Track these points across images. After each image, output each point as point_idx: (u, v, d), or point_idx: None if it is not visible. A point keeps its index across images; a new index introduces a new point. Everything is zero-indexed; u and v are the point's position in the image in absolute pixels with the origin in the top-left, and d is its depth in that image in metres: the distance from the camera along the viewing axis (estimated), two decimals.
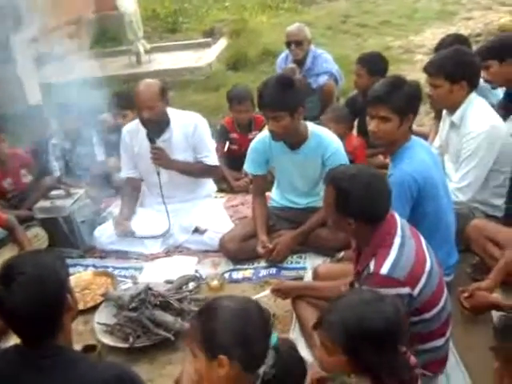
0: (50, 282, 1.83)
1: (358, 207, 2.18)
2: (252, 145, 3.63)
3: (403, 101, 2.70)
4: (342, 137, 4.21)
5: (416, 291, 2.15)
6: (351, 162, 4.17)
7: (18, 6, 6.60)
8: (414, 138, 2.82)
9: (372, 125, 2.78)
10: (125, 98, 4.76)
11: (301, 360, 1.77)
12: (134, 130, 4.03)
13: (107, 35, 9.14)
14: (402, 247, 2.19)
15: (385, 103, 2.71)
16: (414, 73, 6.34)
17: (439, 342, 2.30)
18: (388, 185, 2.28)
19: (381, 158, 4.47)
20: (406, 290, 2.13)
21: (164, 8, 10.70)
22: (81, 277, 3.66)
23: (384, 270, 2.14)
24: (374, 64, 4.44)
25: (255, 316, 1.69)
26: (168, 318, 2.99)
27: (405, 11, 9.78)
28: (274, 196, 3.83)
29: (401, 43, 8.24)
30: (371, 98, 2.76)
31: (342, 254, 3.27)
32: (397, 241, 2.20)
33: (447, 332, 2.34)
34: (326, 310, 1.90)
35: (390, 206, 2.28)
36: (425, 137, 3.77)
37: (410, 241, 2.24)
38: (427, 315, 2.22)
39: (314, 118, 4.69)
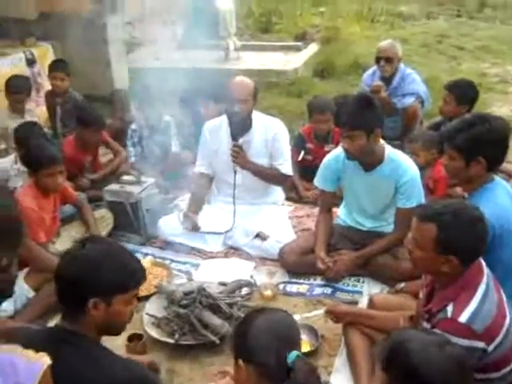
0: (95, 272, 1.88)
1: (464, 243, 2.09)
2: (325, 160, 3.56)
3: (469, 142, 2.61)
4: (430, 163, 4.10)
5: (491, 348, 2.03)
6: (432, 191, 4.04)
7: None
8: (497, 178, 2.69)
9: (443, 158, 2.76)
10: (209, 89, 4.78)
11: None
12: (215, 127, 4.06)
13: (201, 28, 9.27)
14: (485, 297, 2.09)
15: (449, 141, 2.65)
16: (507, 105, 6.06)
17: None
18: (487, 224, 2.17)
19: (458, 190, 4.27)
20: (480, 345, 2.02)
21: (259, 7, 10.74)
22: None
23: (463, 317, 2.04)
24: (462, 92, 4.27)
25: (283, 331, 1.80)
26: (216, 320, 2.98)
27: (506, 38, 9.37)
28: (341, 214, 3.75)
29: (497, 71, 7.90)
30: (443, 133, 2.70)
31: (402, 285, 3.13)
32: (481, 289, 2.11)
33: None
34: (389, 345, 1.80)
35: (486, 248, 2.18)
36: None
37: (493, 292, 2.13)
38: (495, 375, 2.10)
39: (396, 139, 4.57)
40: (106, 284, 1.89)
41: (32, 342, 1.72)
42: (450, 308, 2.09)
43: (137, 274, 1.98)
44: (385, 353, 1.78)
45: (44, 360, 1.49)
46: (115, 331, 2.03)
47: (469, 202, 2.76)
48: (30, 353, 1.49)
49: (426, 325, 2.20)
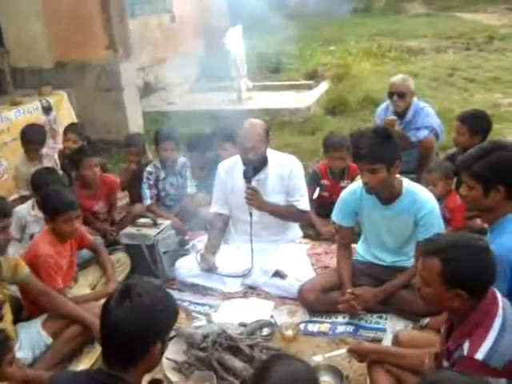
0: (156, 320, 1.89)
1: (469, 276, 2.04)
2: (342, 195, 3.53)
3: (486, 170, 2.56)
4: (447, 194, 4.07)
5: None
6: (448, 220, 3.99)
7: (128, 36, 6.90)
8: None
9: (461, 189, 2.70)
10: (226, 132, 4.82)
11: None
12: (230, 167, 4.08)
13: (213, 71, 9.43)
14: (503, 331, 2.00)
15: (466, 170, 2.62)
16: None
17: None
18: (494, 256, 2.12)
19: (478, 221, 4.22)
20: (502, 382, 1.93)
21: (269, 48, 10.92)
22: None
23: (480, 355, 1.96)
24: (475, 123, 4.25)
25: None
26: (237, 363, 2.91)
27: None
28: (359, 250, 3.69)
29: (510, 101, 7.89)
30: (458, 163, 2.65)
31: (426, 320, 3.05)
32: (497, 322, 2.02)
33: None
34: None
35: (495, 279, 2.11)
36: None
37: (511, 324, 2.04)
38: None
39: (411, 173, 4.54)
40: (165, 327, 1.95)
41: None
42: (466, 345, 2.02)
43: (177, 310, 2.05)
44: None
45: None
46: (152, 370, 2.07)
47: (488, 234, 2.72)
48: None
49: (445, 363, 2.13)
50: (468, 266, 2.03)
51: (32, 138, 4.97)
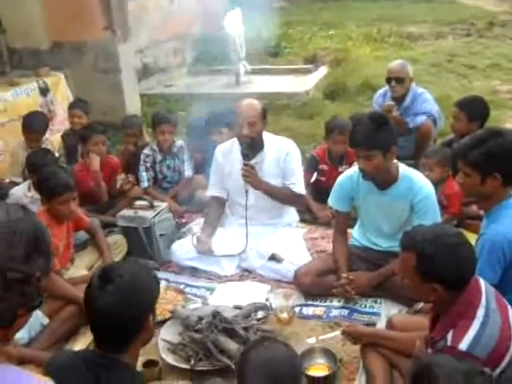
0: (141, 295, 1.90)
1: (444, 273, 2.04)
2: (339, 180, 3.54)
3: (483, 157, 2.55)
4: (443, 180, 4.08)
5: (497, 372, 1.96)
6: (445, 207, 4.00)
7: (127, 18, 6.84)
8: None
9: (458, 177, 2.70)
10: (222, 116, 4.80)
11: None
12: (227, 150, 4.08)
13: (211, 53, 9.37)
14: (486, 321, 2.01)
15: (463, 157, 2.61)
16: None
17: None
18: (473, 248, 2.14)
19: (474, 208, 4.23)
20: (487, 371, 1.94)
21: (269, 32, 10.83)
22: None
23: (463, 345, 1.97)
24: (473, 108, 4.24)
25: (277, 369, 1.79)
26: (232, 345, 2.93)
27: None
28: (356, 235, 3.70)
29: (509, 88, 7.87)
30: (454, 151, 2.65)
31: (420, 305, 3.08)
32: (480, 313, 2.03)
33: None
34: (416, 368, 1.78)
35: (474, 271, 2.12)
36: None
37: (495, 314, 2.05)
38: None
39: (408, 159, 4.54)
40: (152, 298, 1.95)
41: (69, 367, 1.76)
42: (449, 336, 2.03)
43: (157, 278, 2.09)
44: (411, 375, 1.75)
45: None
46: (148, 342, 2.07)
47: (484, 220, 2.73)
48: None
49: (430, 351, 2.14)
50: (442, 262, 2.03)
51: (34, 127, 4.89)
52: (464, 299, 2.06)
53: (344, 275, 3.38)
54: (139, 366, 2.85)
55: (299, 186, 3.98)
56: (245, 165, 3.80)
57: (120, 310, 1.83)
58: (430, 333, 2.21)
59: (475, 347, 1.96)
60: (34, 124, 4.92)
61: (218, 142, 4.45)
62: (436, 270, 2.05)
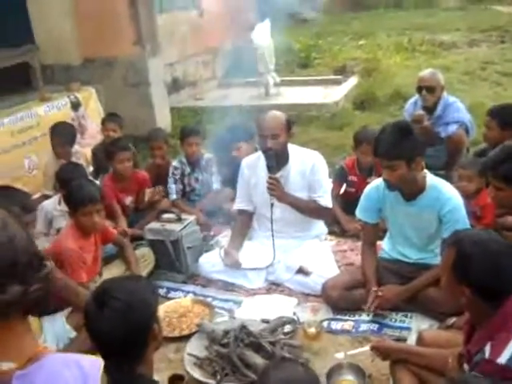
0: (140, 312, 1.88)
1: (478, 277, 1.97)
2: (365, 191, 3.47)
3: (511, 170, 2.48)
4: (477, 191, 3.97)
5: None
6: (478, 218, 3.89)
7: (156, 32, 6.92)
8: None
9: (488, 190, 2.60)
10: (239, 130, 4.81)
11: None
12: (253, 163, 4.06)
13: (241, 66, 9.40)
14: None
15: (492, 171, 2.55)
16: None
17: None
18: None
19: (510, 219, 4.09)
20: None
21: (298, 43, 10.84)
22: (180, 303, 3.68)
23: (503, 358, 1.88)
24: (505, 117, 4.12)
25: None
26: (258, 360, 2.88)
27: None
28: (385, 246, 3.62)
29: None
30: (484, 163, 2.57)
31: (452, 320, 2.98)
32: None
33: None
34: None
35: None
36: None
37: None
38: None
39: (439, 169, 4.45)
40: (153, 310, 1.94)
41: None
42: (487, 348, 1.94)
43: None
44: None
45: (99, 358, 1.53)
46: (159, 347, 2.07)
47: None
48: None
49: (466, 366, 2.06)
50: (479, 265, 1.96)
51: (59, 133, 5.00)
52: (504, 311, 1.98)
53: (374, 289, 3.31)
54: (165, 381, 2.85)
55: (326, 199, 3.93)
56: (270, 177, 3.77)
57: (120, 330, 1.82)
58: (465, 346, 2.13)
59: None
60: (58, 130, 5.01)
61: (237, 157, 4.44)
62: (470, 272, 1.98)
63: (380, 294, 3.27)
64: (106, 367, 1.88)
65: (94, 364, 1.46)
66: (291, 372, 1.85)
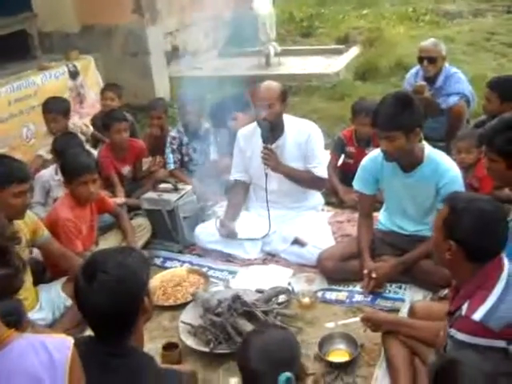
0: (131, 285, 1.85)
1: (465, 233, 2.01)
2: (363, 162, 3.45)
3: (508, 144, 2.50)
4: (475, 163, 3.97)
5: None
6: (477, 190, 3.88)
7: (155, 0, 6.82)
8: None
9: (484, 161, 2.67)
10: (235, 100, 4.77)
11: None
12: (249, 134, 4.03)
13: (241, 35, 9.27)
14: (505, 293, 1.96)
15: (488, 144, 2.56)
16: None
17: None
18: (508, 227, 2.06)
19: (506, 191, 4.08)
20: (499, 343, 1.89)
21: (301, 12, 10.67)
22: (175, 272, 3.70)
23: (477, 315, 1.93)
24: (506, 89, 4.06)
25: (275, 353, 1.84)
26: (250, 328, 2.90)
27: None
28: (381, 218, 3.62)
29: None
30: (480, 135, 2.57)
31: (445, 291, 2.99)
32: (500, 285, 1.99)
33: None
34: (441, 363, 1.75)
35: (502, 249, 2.05)
36: None
37: None
38: None
39: (439, 140, 4.41)
40: (144, 282, 1.92)
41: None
42: (465, 306, 1.99)
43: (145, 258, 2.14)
44: (434, 371, 1.71)
45: (69, 338, 1.56)
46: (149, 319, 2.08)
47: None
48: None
49: (448, 329, 2.08)
50: (468, 222, 2.01)
51: (51, 109, 4.82)
52: (484, 272, 2.03)
53: (365, 272, 3.31)
54: (159, 349, 2.88)
55: (321, 170, 3.92)
56: (264, 148, 3.75)
57: (110, 304, 1.78)
58: (449, 307, 2.18)
59: (489, 318, 1.92)
60: (51, 108, 4.88)
61: (234, 127, 4.40)
62: (459, 226, 2.03)
63: (373, 275, 3.27)
64: (93, 340, 1.90)
65: (63, 344, 1.49)
66: (271, 335, 1.91)
